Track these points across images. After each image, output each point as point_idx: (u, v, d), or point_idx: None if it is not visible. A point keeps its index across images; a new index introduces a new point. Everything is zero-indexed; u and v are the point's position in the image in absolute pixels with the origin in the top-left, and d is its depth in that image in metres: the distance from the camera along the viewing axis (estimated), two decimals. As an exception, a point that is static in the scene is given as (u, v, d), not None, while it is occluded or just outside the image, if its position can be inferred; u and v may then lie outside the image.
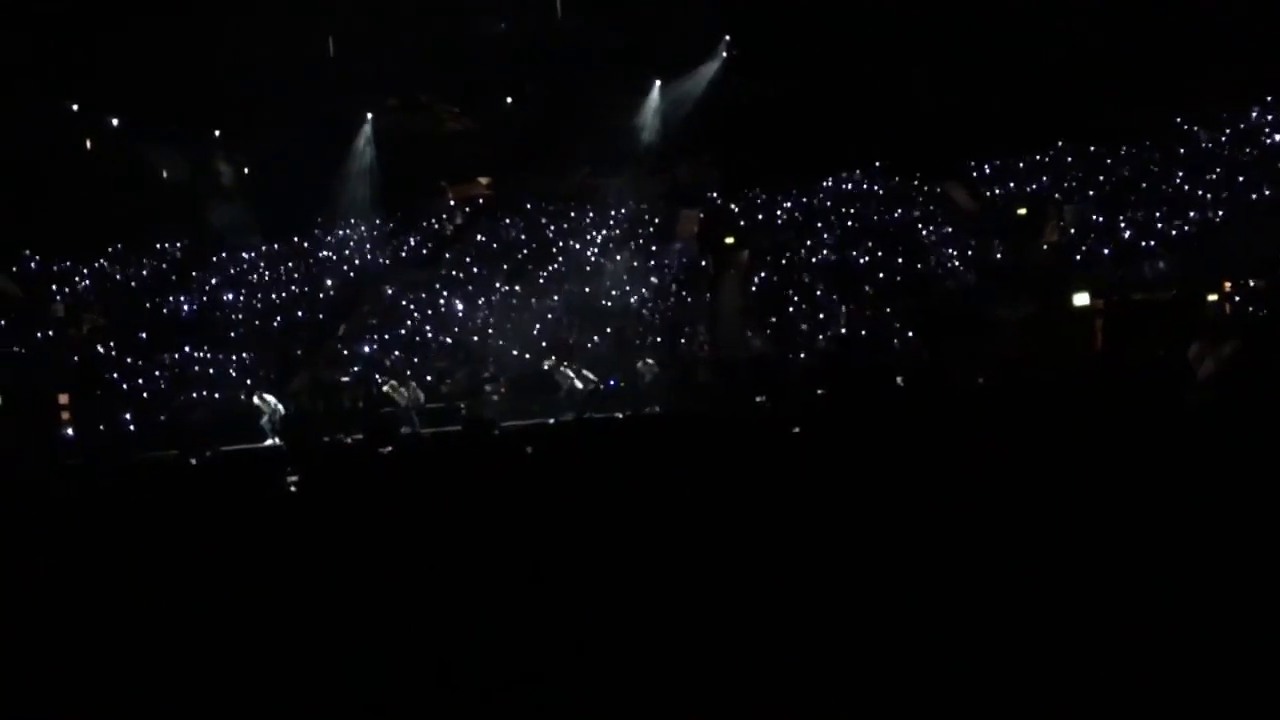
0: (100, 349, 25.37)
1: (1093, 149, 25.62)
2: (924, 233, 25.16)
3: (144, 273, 28.76)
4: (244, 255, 29.28)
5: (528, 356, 24.01)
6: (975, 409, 6.45)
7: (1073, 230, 23.80)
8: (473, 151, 32.21)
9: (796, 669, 3.34)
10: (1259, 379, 6.67)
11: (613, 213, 28.87)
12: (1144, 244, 22.68)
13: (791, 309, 23.98)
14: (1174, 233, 22.48)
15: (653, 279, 26.05)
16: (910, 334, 22.04)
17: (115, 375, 24.28)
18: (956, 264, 24.07)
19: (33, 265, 28.54)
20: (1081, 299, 20.65)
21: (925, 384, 9.71)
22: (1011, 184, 26.46)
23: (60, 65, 26.05)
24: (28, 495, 7.24)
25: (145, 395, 23.77)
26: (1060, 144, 26.27)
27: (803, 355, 22.41)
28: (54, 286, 27.97)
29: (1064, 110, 24.98)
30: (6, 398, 21.06)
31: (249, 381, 23.53)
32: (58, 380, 23.12)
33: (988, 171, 26.91)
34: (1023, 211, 25.04)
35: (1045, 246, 23.97)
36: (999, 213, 25.52)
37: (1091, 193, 24.74)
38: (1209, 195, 22.83)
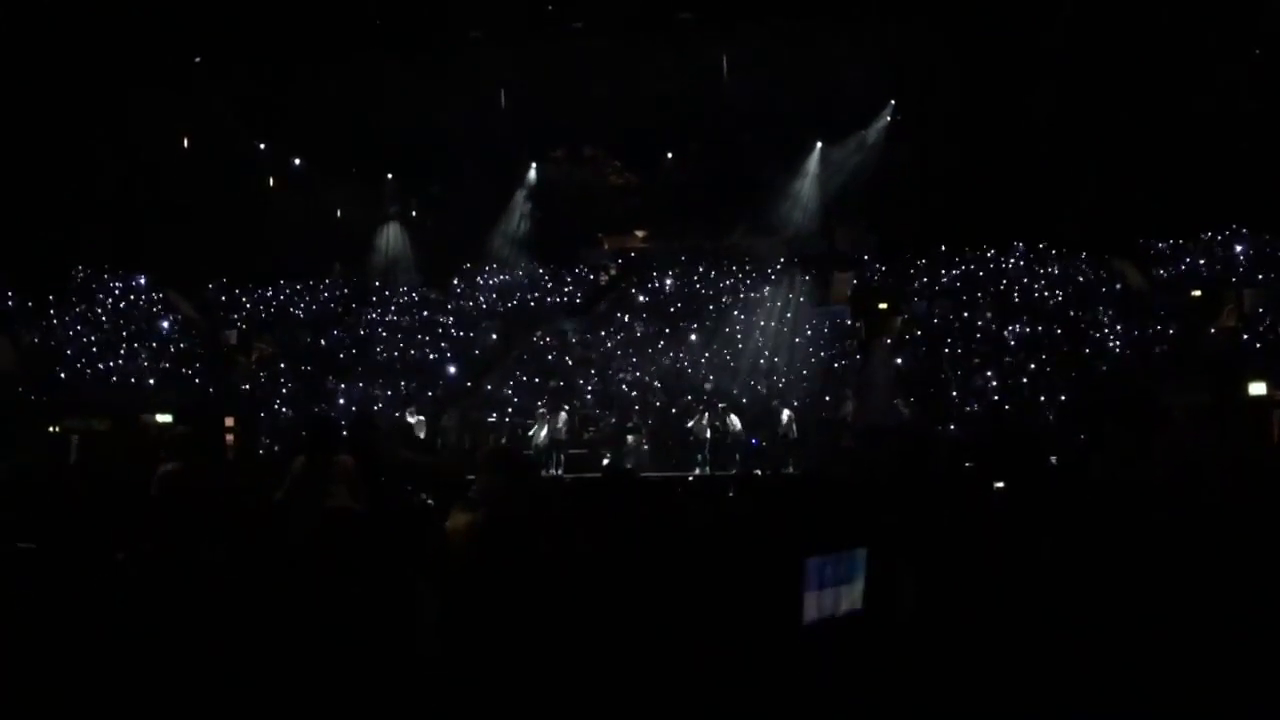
0: (264, 376, 26.51)
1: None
2: (1088, 312, 24.24)
3: (313, 305, 30.03)
4: (405, 293, 30.30)
5: (673, 410, 24.06)
6: (1132, 503, 6.11)
7: (1252, 316, 22.55)
8: (631, 205, 32.80)
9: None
10: None
11: (767, 271, 28.83)
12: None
13: (944, 379, 23.36)
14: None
15: (801, 340, 25.84)
16: (1068, 415, 21.15)
17: (279, 403, 25.33)
18: (1121, 345, 23.09)
19: (209, 294, 30.08)
20: (1258, 388, 19.44)
21: (1079, 469, 9.27)
22: (1185, 265, 25.29)
23: (250, 109, 27.69)
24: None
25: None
26: (1239, 226, 25.01)
27: (952, 427, 21.76)
28: (228, 315, 29.44)
29: (1244, 191, 23.81)
30: (177, 417, 22.08)
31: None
32: (226, 404, 24.27)
33: (1161, 250, 25.81)
34: (1197, 294, 23.89)
35: (1219, 331, 22.76)
36: (1171, 294, 24.42)
37: (1273, 275, 23.45)
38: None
